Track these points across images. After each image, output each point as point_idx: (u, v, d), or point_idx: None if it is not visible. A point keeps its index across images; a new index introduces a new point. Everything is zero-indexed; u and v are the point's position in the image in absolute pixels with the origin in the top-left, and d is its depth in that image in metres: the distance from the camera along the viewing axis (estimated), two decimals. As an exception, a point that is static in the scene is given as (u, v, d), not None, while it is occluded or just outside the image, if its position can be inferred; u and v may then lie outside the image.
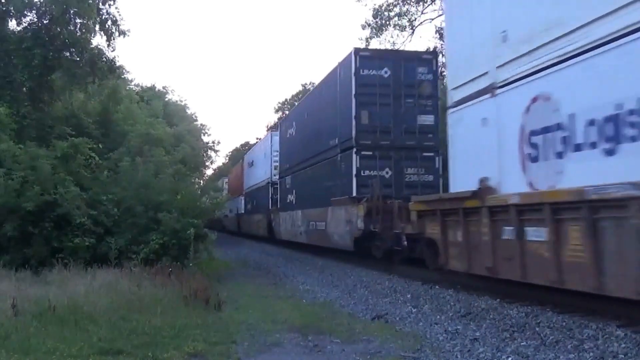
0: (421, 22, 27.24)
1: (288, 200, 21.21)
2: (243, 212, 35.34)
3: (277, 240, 24.21)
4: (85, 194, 12.46)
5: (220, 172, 64.85)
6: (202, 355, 5.43)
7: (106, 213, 12.30)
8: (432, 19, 26.69)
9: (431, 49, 23.92)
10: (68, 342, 5.56)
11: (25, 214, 11.39)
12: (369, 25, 28.61)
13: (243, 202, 35.28)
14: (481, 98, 8.45)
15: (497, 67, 8.03)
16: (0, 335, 5.82)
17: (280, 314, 7.82)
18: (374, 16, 27.92)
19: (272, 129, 26.73)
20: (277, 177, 24.26)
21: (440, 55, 16.92)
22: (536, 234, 6.91)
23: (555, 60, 6.81)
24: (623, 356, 5.05)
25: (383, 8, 27.31)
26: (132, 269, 10.31)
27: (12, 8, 17.73)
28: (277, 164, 24.56)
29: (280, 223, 22.70)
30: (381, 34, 27.67)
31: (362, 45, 26.65)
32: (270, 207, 25.41)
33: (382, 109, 13.76)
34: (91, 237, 11.69)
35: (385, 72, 13.81)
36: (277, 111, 59.56)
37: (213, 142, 56.61)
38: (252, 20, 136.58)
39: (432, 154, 14.01)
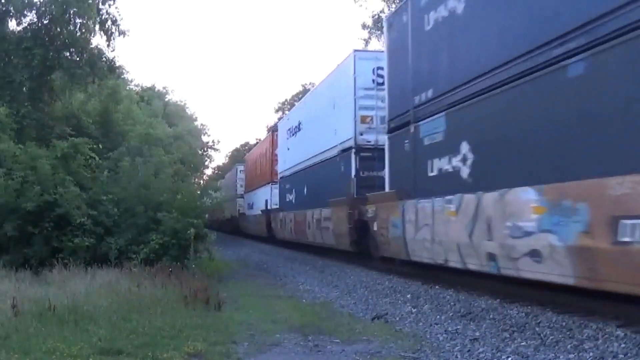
0: None
1: (434, 172, 9.34)
2: (277, 206, 23.22)
3: (383, 260, 12.29)
4: (85, 194, 12.47)
5: (222, 170, 64.61)
6: (202, 355, 5.43)
7: (106, 213, 12.29)
8: None
9: None
10: (68, 342, 5.56)
11: (25, 214, 11.39)
12: (369, 27, 28.82)
13: (277, 192, 23.72)
14: None
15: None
16: (0, 335, 5.82)
17: (280, 314, 7.82)
18: (375, 21, 28.11)
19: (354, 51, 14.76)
20: (370, 136, 13.61)
21: None
22: None
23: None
24: (623, 356, 5.05)
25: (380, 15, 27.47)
26: (132, 269, 10.32)
27: (12, 8, 17.73)
28: (371, 112, 13.51)
29: (407, 226, 10.23)
30: (382, 35, 27.82)
31: (362, 46, 26.72)
32: (356, 195, 13.57)
33: None
34: (91, 237, 11.69)
35: None
36: (277, 111, 59.56)
37: (213, 142, 56.68)
38: (252, 21, 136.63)
39: None
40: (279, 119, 49.59)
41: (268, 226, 24.95)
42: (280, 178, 23.04)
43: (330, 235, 15.59)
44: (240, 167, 37.73)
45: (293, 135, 21.16)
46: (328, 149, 16.02)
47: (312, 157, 17.78)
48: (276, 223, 23.30)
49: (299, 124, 20.26)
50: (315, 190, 17.59)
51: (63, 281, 9.17)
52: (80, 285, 8.62)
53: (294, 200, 20.31)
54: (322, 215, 16.25)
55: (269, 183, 25.54)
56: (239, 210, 35.93)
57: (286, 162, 21.99)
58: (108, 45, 18.64)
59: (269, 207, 25.26)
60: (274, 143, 25.42)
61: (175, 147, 23.07)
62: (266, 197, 25.84)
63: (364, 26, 30.96)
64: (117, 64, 19.84)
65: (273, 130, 26.89)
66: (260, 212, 27.27)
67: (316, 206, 16.81)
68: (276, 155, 24.62)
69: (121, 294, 8.12)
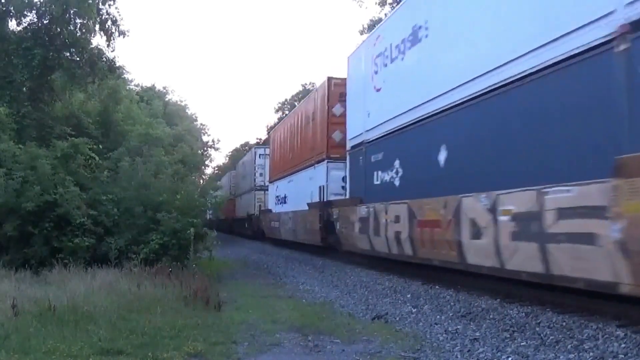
0: None
1: None
2: (344, 196, 14.77)
3: None
4: (85, 194, 12.47)
5: (222, 170, 64.47)
6: (202, 355, 5.43)
7: (106, 213, 12.30)
8: None
9: None
10: (68, 342, 5.56)
11: (25, 214, 11.39)
12: (366, 29, 29.01)
13: (339, 173, 15.56)
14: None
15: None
16: (0, 335, 5.82)
17: (280, 314, 7.82)
18: (371, 27, 28.25)
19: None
20: None
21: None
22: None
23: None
24: (623, 356, 5.05)
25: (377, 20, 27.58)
26: (132, 269, 10.32)
27: (12, 8, 17.74)
28: None
29: None
30: None
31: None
32: None
33: None
34: (91, 237, 11.70)
35: None
36: (277, 111, 59.59)
37: (213, 141, 56.69)
38: (252, 21, 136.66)
39: None
40: (278, 119, 49.31)
41: (325, 229, 15.89)
42: (353, 148, 13.85)
43: (607, 259, 5.87)
44: (260, 151, 29.59)
45: (397, 58, 11.61)
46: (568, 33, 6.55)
47: (479, 76, 8.35)
48: (348, 225, 13.86)
49: (417, 29, 10.53)
50: (488, 150, 8.24)
51: (63, 281, 9.17)
52: (80, 285, 8.62)
53: (397, 182, 11.18)
54: (545, 206, 6.76)
55: (323, 161, 16.46)
56: (259, 206, 27.84)
57: (371, 118, 12.66)
58: (108, 45, 18.70)
59: (325, 198, 16.06)
60: (330, 97, 16.25)
61: (178, 149, 22.64)
62: (319, 182, 16.57)
63: (361, 32, 31.14)
64: (117, 64, 19.89)
65: (330, 77, 16.86)
66: (307, 209, 17.63)
67: (497, 186, 7.80)
68: (335, 114, 16.02)
69: (121, 294, 8.12)
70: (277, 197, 23.26)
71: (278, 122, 29.31)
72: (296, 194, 19.74)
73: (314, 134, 17.83)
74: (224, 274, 13.52)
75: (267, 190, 26.63)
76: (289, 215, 20.68)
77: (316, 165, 17.32)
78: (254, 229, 28.42)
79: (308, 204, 17.58)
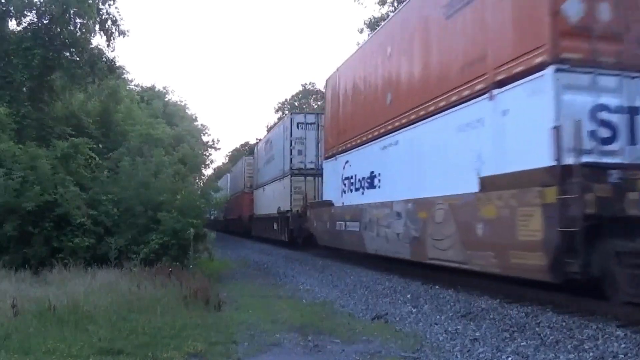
0: None
1: None
2: None
3: None
4: (85, 194, 12.48)
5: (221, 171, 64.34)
6: (202, 355, 5.43)
7: (106, 213, 12.30)
8: None
9: None
10: (68, 342, 5.57)
11: (25, 214, 11.40)
12: (366, 25, 28.96)
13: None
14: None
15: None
16: (0, 335, 5.82)
17: (280, 314, 7.83)
18: (371, 26, 28.24)
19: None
20: None
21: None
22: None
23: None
24: (623, 356, 5.05)
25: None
26: (132, 269, 10.33)
27: (12, 8, 17.75)
28: None
29: None
30: None
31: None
32: None
33: None
34: (91, 237, 11.70)
35: None
36: (277, 111, 59.52)
37: (213, 141, 56.64)
38: (253, 21, 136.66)
39: None
40: (279, 118, 49.25)
41: (579, 244, 6.06)
42: None
43: None
44: (299, 118, 20.60)
45: None
46: None
47: None
48: None
49: None
50: None
51: (63, 281, 9.17)
52: (80, 285, 8.62)
53: None
54: None
55: (543, 69, 6.65)
56: (301, 198, 19.54)
57: None
58: (108, 45, 18.73)
59: (567, 161, 6.24)
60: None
61: (179, 148, 22.45)
62: (541, 124, 6.59)
63: (360, 31, 31.10)
64: (117, 64, 19.93)
65: None
66: (469, 192, 8.09)
67: None
68: None
69: (121, 294, 8.13)
70: (349, 179, 14.10)
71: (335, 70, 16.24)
72: (412, 167, 10.41)
73: (483, 25, 8.21)
74: (224, 274, 13.53)
75: (314, 175, 19.13)
76: (393, 210, 11.10)
77: (505, 89, 7.58)
78: (291, 233, 19.96)
79: (484, 180, 7.91)
